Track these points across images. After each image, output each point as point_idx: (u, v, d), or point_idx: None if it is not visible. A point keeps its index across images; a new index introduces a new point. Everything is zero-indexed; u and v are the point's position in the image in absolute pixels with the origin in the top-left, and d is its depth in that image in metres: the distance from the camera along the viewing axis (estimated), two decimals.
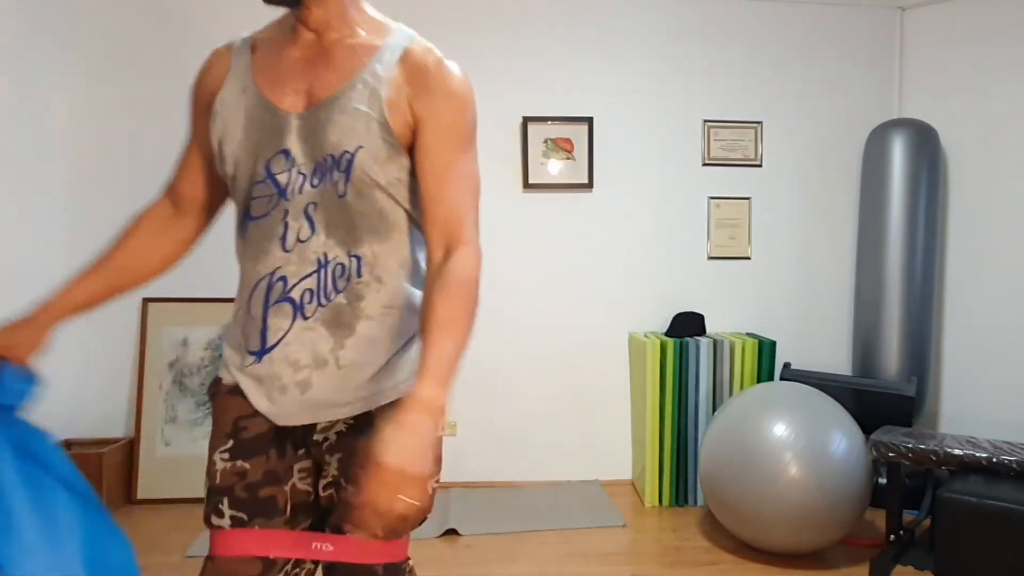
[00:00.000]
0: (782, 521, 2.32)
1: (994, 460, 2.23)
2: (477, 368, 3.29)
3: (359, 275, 0.99)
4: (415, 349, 1.06)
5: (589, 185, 3.26)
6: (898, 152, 3.06)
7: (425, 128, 0.99)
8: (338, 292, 0.98)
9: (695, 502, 3.05)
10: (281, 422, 1.02)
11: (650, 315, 3.35)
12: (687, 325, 3.18)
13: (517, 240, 3.28)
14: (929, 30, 3.32)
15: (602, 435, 3.36)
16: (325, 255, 0.98)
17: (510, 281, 3.29)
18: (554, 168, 3.25)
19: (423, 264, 1.07)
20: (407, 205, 1.03)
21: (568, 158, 3.25)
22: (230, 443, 1.04)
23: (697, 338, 3.07)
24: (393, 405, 0.99)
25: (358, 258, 0.99)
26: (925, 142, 3.06)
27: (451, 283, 0.94)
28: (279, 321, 0.99)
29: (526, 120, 3.21)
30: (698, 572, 2.43)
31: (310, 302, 0.98)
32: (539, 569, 2.45)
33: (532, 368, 3.32)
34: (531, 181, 3.23)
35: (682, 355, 3.01)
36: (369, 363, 1.01)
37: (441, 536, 2.70)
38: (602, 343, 3.34)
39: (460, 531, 2.72)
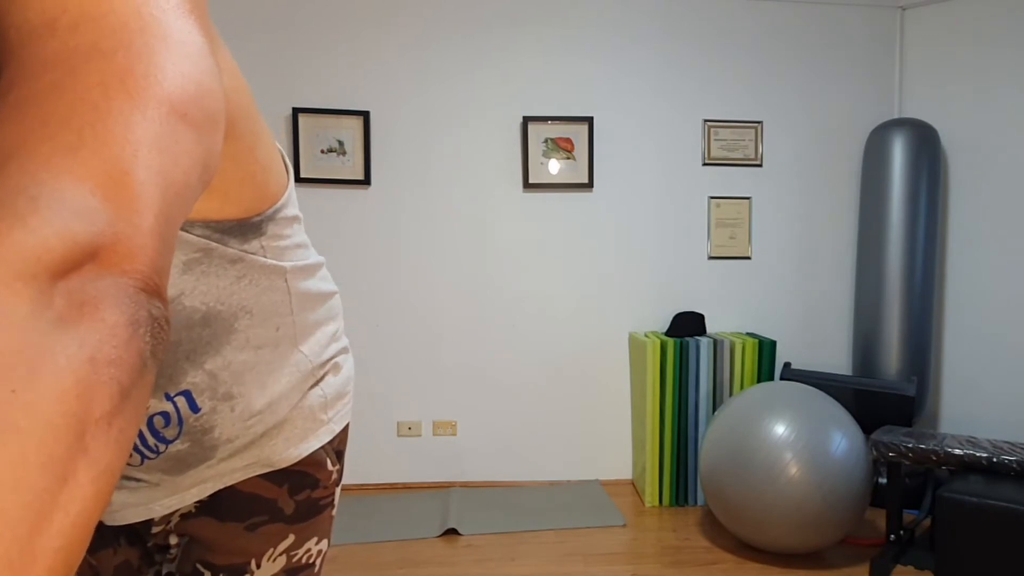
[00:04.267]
0: (782, 521, 2.32)
1: (994, 460, 2.23)
2: (477, 368, 3.29)
3: (195, 410, 0.71)
4: (313, 395, 0.81)
5: (589, 185, 3.26)
6: (898, 152, 3.07)
7: None
8: (168, 442, 0.71)
9: (695, 502, 3.06)
10: (106, 520, 0.78)
11: (650, 315, 3.35)
12: (687, 325, 3.18)
13: (517, 240, 3.28)
14: (929, 30, 3.32)
15: (602, 435, 3.36)
16: None
17: (510, 281, 3.29)
18: (554, 168, 3.25)
19: (314, 287, 0.79)
20: (242, 272, 0.68)
21: (568, 158, 3.25)
22: None
23: (697, 338, 3.07)
24: (274, 475, 0.78)
25: (186, 393, 0.70)
26: (925, 142, 3.06)
27: None
28: None
29: (526, 120, 3.21)
30: (698, 572, 2.43)
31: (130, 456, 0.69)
32: (539, 569, 2.45)
33: (532, 368, 3.32)
34: (531, 181, 3.23)
35: (682, 355, 3.01)
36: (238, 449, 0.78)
37: (441, 536, 2.70)
38: (602, 343, 3.34)
39: (460, 531, 2.72)
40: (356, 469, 3.26)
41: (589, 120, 3.24)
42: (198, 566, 0.77)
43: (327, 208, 3.16)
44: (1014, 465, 2.20)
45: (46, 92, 0.29)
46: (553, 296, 3.31)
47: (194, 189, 0.33)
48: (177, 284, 0.63)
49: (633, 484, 3.32)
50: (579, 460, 3.35)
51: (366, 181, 3.16)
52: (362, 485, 3.26)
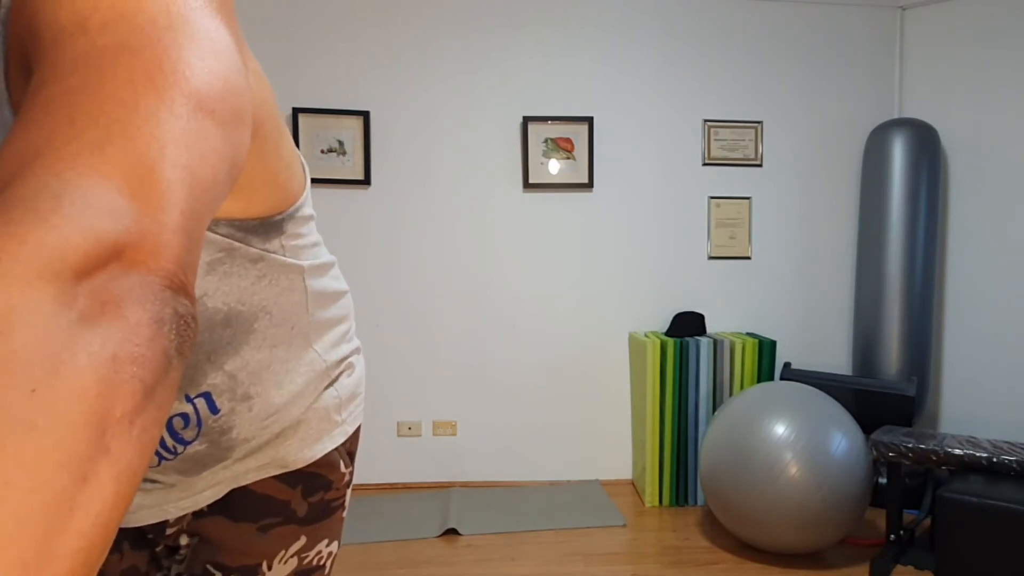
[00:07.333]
0: (782, 521, 2.32)
1: (994, 460, 2.23)
2: (477, 368, 3.29)
3: (215, 411, 0.71)
4: (327, 396, 0.81)
5: (589, 185, 3.26)
6: (898, 152, 3.07)
7: None
8: (187, 443, 0.71)
9: (695, 502, 3.05)
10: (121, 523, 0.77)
11: (650, 315, 3.35)
12: (687, 325, 3.18)
13: (517, 240, 3.28)
14: (929, 30, 3.32)
15: (602, 435, 3.36)
16: None
17: (510, 281, 3.29)
18: (554, 168, 3.25)
19: (327, 286, 0.79)
20: (258, 272, 0.67)
21: (568, 158, 3.25)
22: None
23: (697, 338, 3.07)
24: (288, 477, 0.78)
25: (206, 395, 0.70)
26: (925, 142, 3.06)
27: None
28: None
29: (526, 120, 3.21)
30: (698, 572, 2.43)
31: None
32: (539, 569, 2.45)
33: (532, 368, 3.32)
34: (531, 181, 3.23)
35: (682, 355, 3.01)
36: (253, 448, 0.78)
37: (441, 536, 2.70)
38: (602, 343, 3.34)
39: (460, 531, 2.72)
40: (356, 469, 3.26)
41: (589, 120, 3.24)
42: (209, 567, 0.77)
43: (327, 208, 3.16)
44: (1014, 465, 2.20)
45: (75, 90, 0.29)
46: (553, 296, 3.31)
47: (222, 185, 0.33)
48: (200, 285, 0.63)
49: (633, 484, 3.32)
50: (579, 460, 3.35)
51: (366, 181, 3.16)
52: (362, 485, 3.26)
